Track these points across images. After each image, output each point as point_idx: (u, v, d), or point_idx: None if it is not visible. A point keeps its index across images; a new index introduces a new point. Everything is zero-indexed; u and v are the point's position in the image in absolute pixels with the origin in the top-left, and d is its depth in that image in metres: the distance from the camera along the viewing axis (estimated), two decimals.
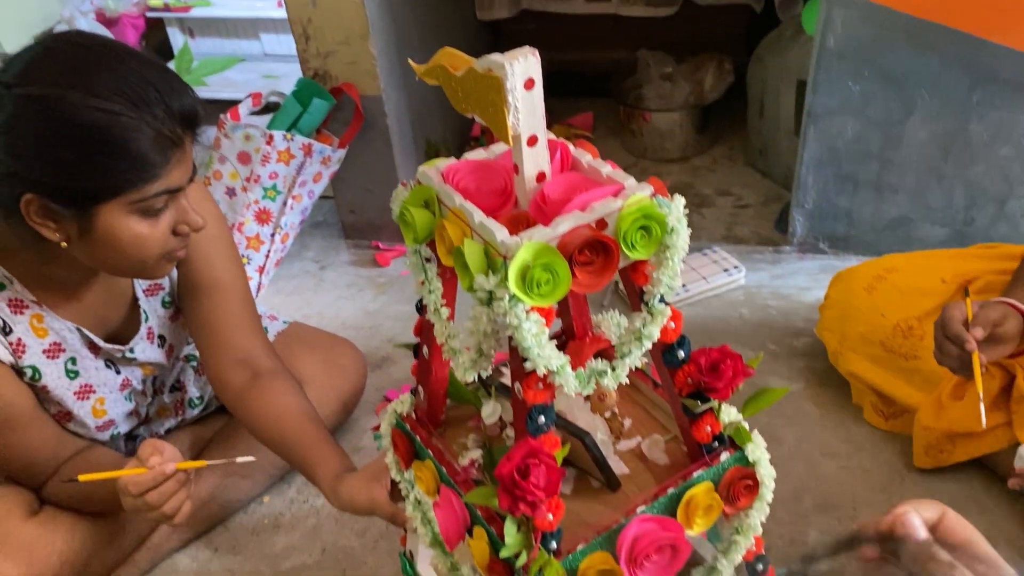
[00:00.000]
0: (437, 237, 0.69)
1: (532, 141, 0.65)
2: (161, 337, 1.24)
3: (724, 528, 0.84)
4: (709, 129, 2.31)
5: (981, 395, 1.04)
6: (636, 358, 0.72)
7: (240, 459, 1.06)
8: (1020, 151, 1.59)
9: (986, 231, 1.70)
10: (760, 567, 0.88)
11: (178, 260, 1.05)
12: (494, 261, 0.64)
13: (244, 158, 1.75)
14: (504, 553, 0.71)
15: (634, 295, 0.72)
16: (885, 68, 1.58)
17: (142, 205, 0.94)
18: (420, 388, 0.88)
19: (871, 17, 1.53)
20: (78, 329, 1.11)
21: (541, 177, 0.68)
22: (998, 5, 1.34)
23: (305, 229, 2.09)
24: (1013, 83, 1.52)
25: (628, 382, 0.80)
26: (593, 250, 0.65)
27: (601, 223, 0.66)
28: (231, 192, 1.78)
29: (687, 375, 0.77)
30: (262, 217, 1.79)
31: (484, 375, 0.75)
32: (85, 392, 1.14)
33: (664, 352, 0.76)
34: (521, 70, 0.61)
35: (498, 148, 0.75)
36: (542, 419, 0.69)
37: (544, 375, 0.68)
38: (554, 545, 0.72)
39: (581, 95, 2.53)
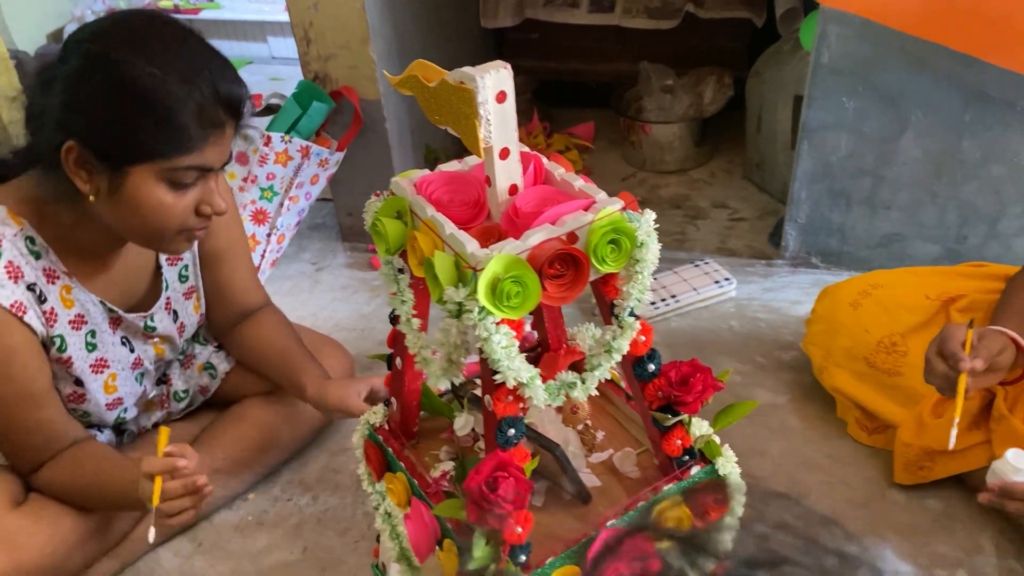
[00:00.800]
0: (408, 248, 0.70)
1: (504, 154, 0.66)
2: (175, 312, 1.29)
3: None
4: (708, 142, 2.32)
5: (956, 419, 1.04)
6: (605, 370, 0.73)
7: (150, 534, 1.03)
8: (1012, 170, 1.60)
9: (979, 249, 1.71)
10: None
11: (196, 240, 1.11)
12: (464, 273, 0.64)
13: (242, 159, 1.76)
14: (472, 566, 0.70)
15: (605, 308, 0.73)
16: (879, 85, 1.59)
17: (172, 175, 1.00)
18: (393, 400, 0.88)
19: (866, 34, 1.54)
20: (102, 302, 1.16)
21: (513, 190, 0.69)
22: (990, 25, 1.35)
23: (304, 231, 2.11)
24: (1004, 103, 1.52)
25: (599, 394, 0.81)
26: (563, 263, 0.66)
27: (572, 236, 0.67)
28: None
29: (657, 388, 0.78)
30: (258, 217, 1.80)
31: (457, 383, 0.76)
32: (99, 366, 1.18)
33: (634, 365, 0.77)
34: (493, 83, 0.62)
35: (473, 160, 0.76)
36: (512, 431, 0.70)
37: (514, 387, 0.68)
38: (523, 558, 0.71)
39: (582, 105, 2.54)
